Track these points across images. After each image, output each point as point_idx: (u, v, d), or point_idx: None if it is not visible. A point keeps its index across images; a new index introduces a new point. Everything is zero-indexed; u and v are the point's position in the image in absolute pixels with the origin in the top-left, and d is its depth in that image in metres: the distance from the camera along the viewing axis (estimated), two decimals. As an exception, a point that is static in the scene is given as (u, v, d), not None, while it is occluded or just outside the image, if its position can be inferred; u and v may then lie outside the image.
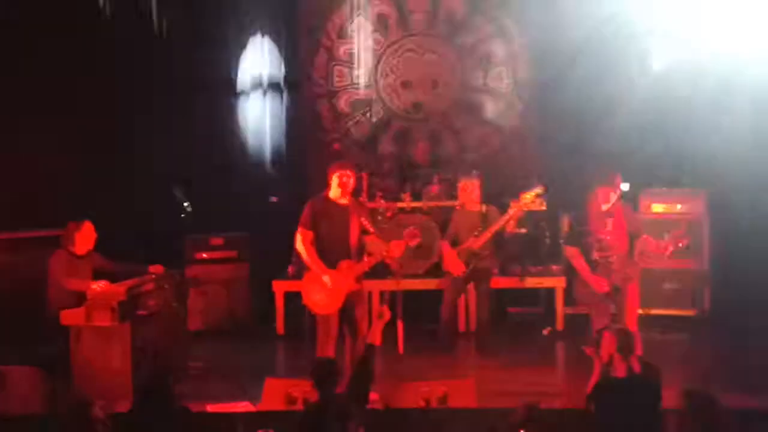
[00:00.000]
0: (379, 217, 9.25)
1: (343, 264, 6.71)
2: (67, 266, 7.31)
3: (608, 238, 6.85)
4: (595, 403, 5.13)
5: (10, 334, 7.65)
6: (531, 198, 8.12)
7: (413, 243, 7.01)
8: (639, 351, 6.60)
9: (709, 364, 7.68)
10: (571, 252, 7.04)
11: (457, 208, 8.79)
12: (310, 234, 6.75)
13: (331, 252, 6.74)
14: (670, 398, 5.51)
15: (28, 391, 6.49)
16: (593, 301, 6.95)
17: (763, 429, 5.56)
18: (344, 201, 6.80)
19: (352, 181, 6.78)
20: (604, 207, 6.86)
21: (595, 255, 6.88)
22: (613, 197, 6.88)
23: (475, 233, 8.19)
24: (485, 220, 8.25)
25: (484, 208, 8.36)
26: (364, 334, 6.96)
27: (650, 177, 9.72)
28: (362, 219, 6.72)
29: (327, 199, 6.84)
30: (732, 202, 9.46)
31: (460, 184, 8.68)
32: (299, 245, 6.82)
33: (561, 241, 9.12)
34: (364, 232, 6.85)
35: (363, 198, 9.16)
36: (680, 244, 6.82)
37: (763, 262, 9.03)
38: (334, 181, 6.72)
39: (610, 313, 6.85)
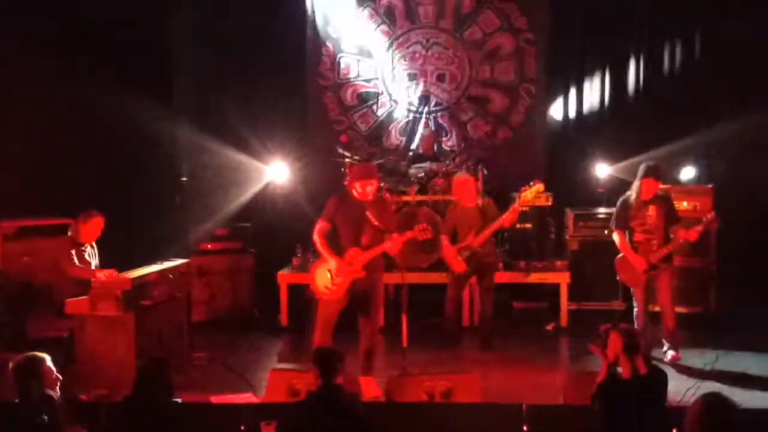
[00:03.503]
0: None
1: (350, 251, 6.75)
2: (71, 254, 7.34)
3: (650, 223, 7.62)
4: (600, 402, 5.11)
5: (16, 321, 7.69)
6: (531, 195, 8.10)
7: (423, 237, 6.99)
8: (671, 325, 7.62)
9: (712, 362, 7.65)
10: (616, 234, 7.77)
11: (452, 203, 8.75)
12: (327, 225, 6.86)
13: (345, 243, 6.81)
14: (675, 397, 5.54)
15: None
16: (635, 280, 7.69)
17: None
18: (367, 197, 6.86)
19: (373, 190, 6.85)
20: (646, 197, 7.61)
21: (637, 237, 7.67)
22: (655, 188, 7.63)
23: (475, 230, 8.15)
24: (483, 214, 8.21)
25: (480, 201, 8.31)
26: (377, 324, 6.97)
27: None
28: (367, 212, 6.71)
29: (349, 194, 6.92)
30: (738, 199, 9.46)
31: (454, 180, 8.65)
32: (314, 234, 6.91)
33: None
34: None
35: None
36: (711, 228, 7.67)
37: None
38: (357, 187, 6.77)
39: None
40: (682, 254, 8.63)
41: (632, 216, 7.68)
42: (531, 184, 8.09)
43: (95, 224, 7.54)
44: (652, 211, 7.62)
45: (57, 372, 4.87)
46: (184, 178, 10.08)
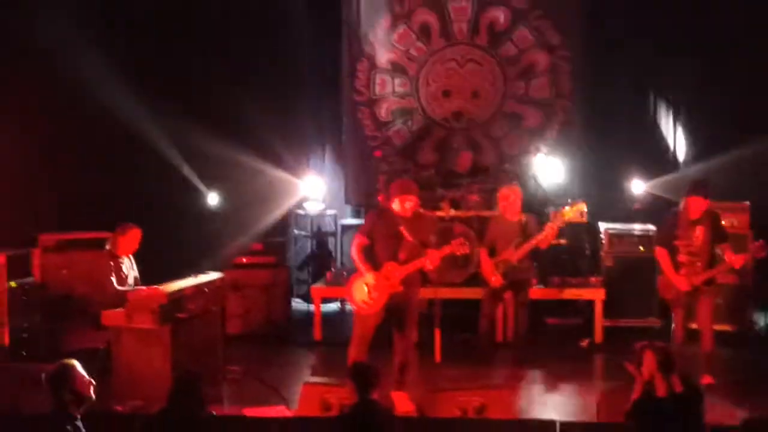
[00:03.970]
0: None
1: (387, 266, 6.77)
2: (111, 272, 7.45)
3: (696, 244, 7.33)
4: (635, 420, 5.07)
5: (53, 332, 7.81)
6: (572, 213, 8.09)
7: (461, 252, 7.01)
8: (709, 348, 7.36)
9: (751, 381, 7.57)
10: (659, 252, 7.54)
11: (492, 217, 8.75)
12: (365, 241, 6.91)
13: (382, 258, 6.84)
14: (712, 415, 5.48)
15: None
16: (677, 300, 7.45)
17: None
18: (406, 213, 6.89)
19: (412, 205, 6.86)
20: (694, 216, 7.33)
21: (681, 258, 7.38)
22: (703, 206, 7.32)
23: (514, 245, 8.14)
24: (524, 230, 8.21)
25: (523, 218, 8.32)
26: (413, 339, 6.97)
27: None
28: (402, 227, 6.74)
29: (387, 210, 6.97)
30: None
31: (500, 192, 8.63)
32: (353, 248, 6.97)
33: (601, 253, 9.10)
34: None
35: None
36: (758, 256, 7.34)
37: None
38: (396, 203, 6.82)
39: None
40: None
41: (678, 236, 7.40)
42: (572, 202, 8.07)
43: (133, 236, 7.66)
44: (699, 232, 7.33)
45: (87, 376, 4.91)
46: (213, 202, 10.22)
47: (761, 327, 9.24)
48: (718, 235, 7.41)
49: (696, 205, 7.32)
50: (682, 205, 7.58)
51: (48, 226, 8.64)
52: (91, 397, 4.77)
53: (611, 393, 6.21)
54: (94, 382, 4.82)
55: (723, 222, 7.69)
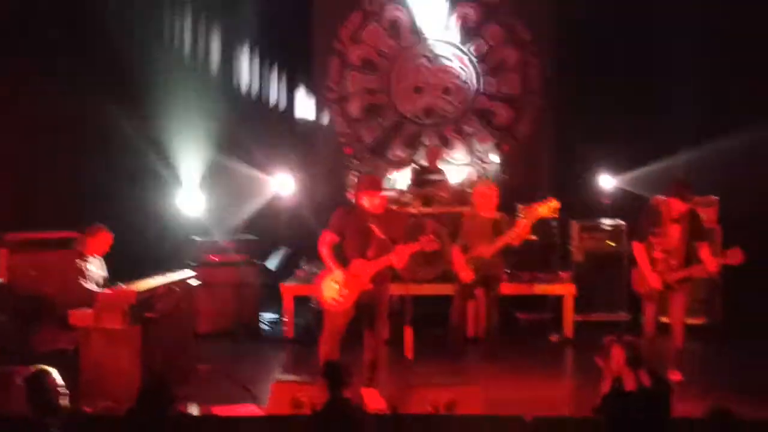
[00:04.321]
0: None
1: (356, 263, 6.75)
2: (79, 268, 7.38)
3: (672, 242, 7.35)
4: (604, 415, 5.10)
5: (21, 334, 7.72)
6: (546, 210, 8.11)
7: (430, 249, 7.00)
8: (680, 345, 7.36)
9: (720, 373, 7.64)
10: (636, 246, 7.53)
11: (466, 213, 8.76)
12: (334, 238, 6.87)
13: (351, 255, 6.82)
14: (680, 407, 5.53)
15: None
16: (648, 294, 7.48)
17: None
18: (376, 210, 6.87)
19: (379, 202, 6.84)
20: (673, 216, 7.34)
21: (656, 255, 7.40)
22: (683, 207, 7.31)
23: (487, 241, 8.16)
24: (497, 227, 8.22)
25: (497, 215, 8.33)
26: (384, 336, 6.96)
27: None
28: (372, 224, 6.73)
29: (357, 206, 6.95)
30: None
31: (477, 189, 8.63)
32: (321, 246, 6.92)
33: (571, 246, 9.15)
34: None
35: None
36: (734, 263, 7.25)
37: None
38: (365, 200, 6.80)
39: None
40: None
41: (655, 232, 7.44)
42: (545, 199, 8.08)
43: (102, 239, 7.59)
44: (675, 231, 7.35)
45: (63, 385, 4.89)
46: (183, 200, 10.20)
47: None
48: (696, 234, 7.40)
49: (677, 207, 7.32)
50: (660, 202, 7.59)
51: (11, 225, 8.52)
52: (67, 406, 4.74)
53: (581, 388, 6.24)
54: (67, 391, 4.79)
55: (701, 220, 7.61)
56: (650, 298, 7.50)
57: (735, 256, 7.20)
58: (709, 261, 7.28)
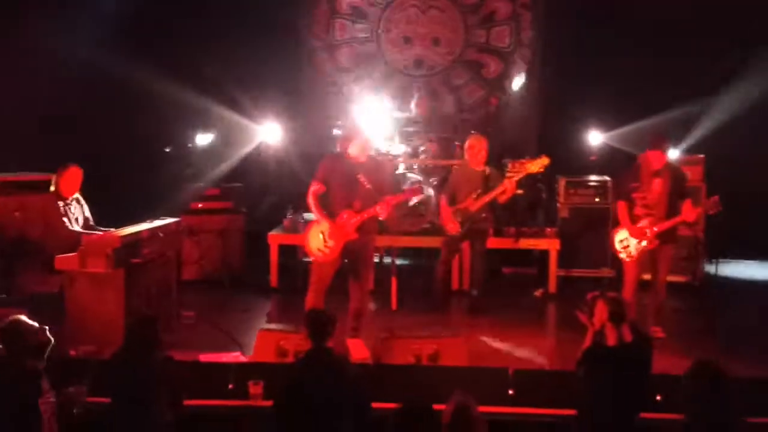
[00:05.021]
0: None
1: (343, 214, 6.75)
2: (59, 212, 7.32)
3: (652, 197, 7.31)
4: (584, 369, 5.16)
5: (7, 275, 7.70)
6: (535, 166, 8.11)
7: (415, 198, 7.00)
8: (661, 301, 7.37)
9: (701, 331, 7.73)
10: (619, 205, 7.54)
11: (456, 165, 8.74)
12: (321, 187, 6.85)
13: (338, 205, 6.81)
14: (661, 363, 5.59)
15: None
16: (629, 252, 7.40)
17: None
18: (361, 158, 6.85)
19: (364, 152, 6.84)
20: (655, 167, 7.29)
21: (637, 211, 7.36)
22: (662, 159, 7.29)
23: (475, 195, 8.16)
24: (487, 180, 8.21)
25: (487, 169, 8.32)
26: (369, 287, 6.98)
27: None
28: (359, 175, 6.71)
29: (342, 155, 6.91)
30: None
31: (467, 142, 8.60)
32: (309, 196, 6.91)
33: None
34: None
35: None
36: (711, 212, 7.27)
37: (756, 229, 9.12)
38: (353, 148, 6.77)
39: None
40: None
41: (636, 188, 7.40)
42: (536, 156, 8.07)
43: (72, 175, 7.41)
44: (656, 184, 7.31)
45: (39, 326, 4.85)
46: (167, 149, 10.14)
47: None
48: (677, 190, 7.35)
49: (656, 159, 7.30)
50: (641, 157, 7.55)
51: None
52: (49, 340, 4.73)
53: (563, 342, 6.29)
54: (45, 327, 4.78)
55: (685, 177, 7.55)
56: (629, 258, 7.45)
57: (713, 206, 7.21)
58: (688, 211, 7.24)
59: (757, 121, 9.83)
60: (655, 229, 7.28)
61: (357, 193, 6.76)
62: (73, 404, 4.84)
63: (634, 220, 7.41)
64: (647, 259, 7.42)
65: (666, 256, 7.45)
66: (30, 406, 4.54)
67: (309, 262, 7.09)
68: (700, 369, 4.39)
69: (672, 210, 7.32)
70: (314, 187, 6.87)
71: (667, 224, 7.30)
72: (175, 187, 9.73)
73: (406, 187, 6.92)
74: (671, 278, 8.82)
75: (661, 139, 7.43)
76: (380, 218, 6.91)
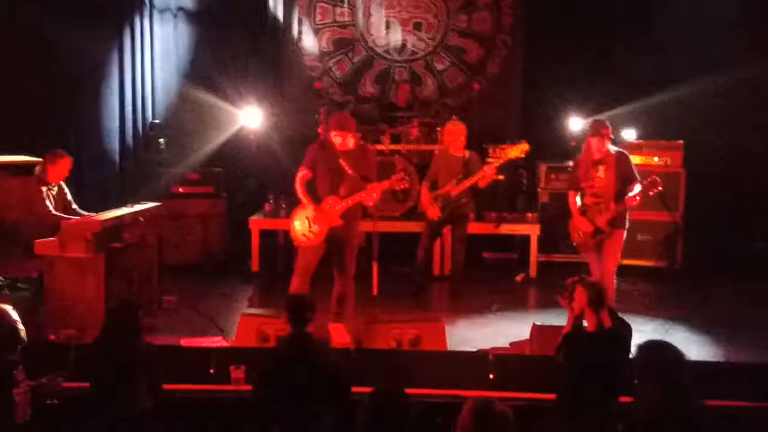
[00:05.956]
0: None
1: (327, 199, 6.77)
2: (43, 197, 7.29)
3: (599, 184, 7.10)
4: (564, 354, 5.20)
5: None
6: (515, 152, 8.13)
7: (400, 187, 7.03)
8: (611, 297, 6.72)
9: (679, 316, 7.79)
10: (570, 195, 7.35)
11: (437, 152, 8.76)
12: (308, 173, 6.88)
13: (323, 191, 6.84)
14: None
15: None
16: (583, 243, 7.25)
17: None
18: (349, 145, 6.85)
19: (350, 141, 6.83)
20: (596, 155, 7.09)
21: (587, 200, 7.19)
22: (603, 146, 7.07)
23: (455, 180, 8.18)
24: (467, 166, 8.24)
25: (467, 154, 8.35)
26: (351, 272, 7.00)
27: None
28: (341, 160, 6.72)
29: (327, 142, 6.93)
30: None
31: (446, 127, 8.62)
32: (296, 181, 6.93)
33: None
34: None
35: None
36: (651, 193, 6.97)
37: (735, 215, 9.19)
38: (335, 137, 6.78)
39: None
40: (652, 208, 8.66)
41: (582, 177, 7.19)
42: (517, 142, 8.08)
43: (63, 165, 7.45)
44: (601, 172, 7.07)
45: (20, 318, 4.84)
46: (156, 121, 10.10)
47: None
48: (625, 176, 7.07)
49: (597, 146, 7.07)
50: (584, 146, 7.30)
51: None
52: (23, 340, 4.73)
53: (543, 327, 6.33)
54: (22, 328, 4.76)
55: (630, 161, 7.20)
56: (586, 249, 7.26)
57: (651, 185, 6.91)
58: (630, 197, 6.91)
59: (737, 106, 9.87)
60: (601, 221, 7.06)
61: (343, 179, 6.78)
62: (47, 395, 4.84)
63: (584, 209, 7.18)
64: (595, 246, 7.17)
65: (611, 248, 7.13)
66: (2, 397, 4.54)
67: (292, 247, 7.08)
68: (646, 345, 4.46)
69: (620, 196, 7.01)
70: (302, 173, 6.89)
71: (612, 213, 6.99)
72: (155, 171, 9.69)
73: (392, 173, 6.89)
74: (650, 263, 8.97)
75: (600, 125, 7.15)
76: (367, 205, 6.92)
